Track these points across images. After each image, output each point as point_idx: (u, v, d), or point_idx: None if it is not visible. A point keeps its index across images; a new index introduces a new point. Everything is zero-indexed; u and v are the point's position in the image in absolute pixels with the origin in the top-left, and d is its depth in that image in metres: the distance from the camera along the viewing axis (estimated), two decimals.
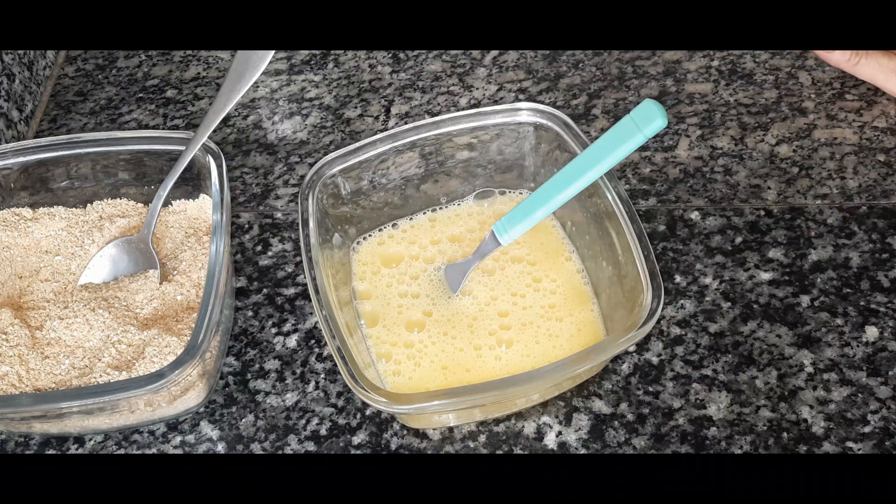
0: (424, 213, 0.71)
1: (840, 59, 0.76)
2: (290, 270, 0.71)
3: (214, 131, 0.75)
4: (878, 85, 0.76)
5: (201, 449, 0.62)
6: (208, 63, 0.88)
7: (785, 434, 0.60)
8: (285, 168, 0.78)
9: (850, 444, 0.59)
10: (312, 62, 0.87)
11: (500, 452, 0.61)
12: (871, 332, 0.64)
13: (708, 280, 0.68)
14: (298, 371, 0.65)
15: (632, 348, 0.65)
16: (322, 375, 0.65)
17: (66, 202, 0.71)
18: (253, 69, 0.68)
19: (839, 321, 0.65)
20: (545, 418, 0.62)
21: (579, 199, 0.62)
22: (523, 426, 0.62)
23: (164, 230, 0.70)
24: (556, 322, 0.64)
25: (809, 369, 0.63)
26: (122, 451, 0.62)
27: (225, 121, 0.82)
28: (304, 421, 0.63)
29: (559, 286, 0.66)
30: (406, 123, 0.73)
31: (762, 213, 0.72)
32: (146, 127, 0.82)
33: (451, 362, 0.62)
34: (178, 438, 0.63)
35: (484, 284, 0.66)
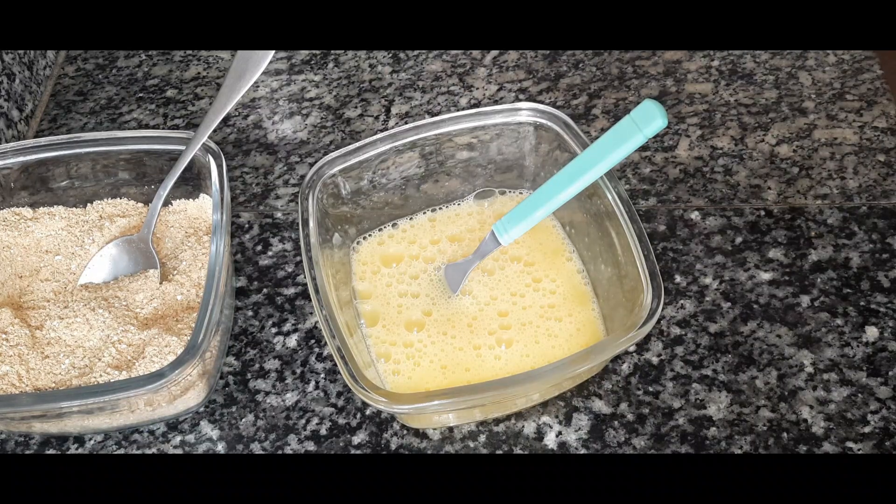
0: (424, 213, 0.71)
1: None
2: (290, 270, 0.71)
3: (214, 131, 0.75)
4: None
5: (201, 449, 0.62)
6: (208, 63, 0.88)
7: (785, 434, 0.60)
8: (285, 168, 0.78)
9: (850, 444, 0.59)
10: (312, 62, 0.87)
11: (500, 452, 0.61)
12: (871, 332, 0.64)
13: (708, 280, 0.68)
14: (298, 371, 0.65)
15: (632, 348, 0.65)
16: (322, 375, 0.65)
17: (66, 202, 0.71)
18: (253, 69, 0.68)
19: (839, 321, 0.65)
20: (545, 418, 0.62)
21: (579, 199, 0.62)
22: (523, 426, 0.62)
23: (164, 230, 0.70)
24: (555, 322, 0.64)
25: (809, 369, 0.63)
26: (122, 451, 0.62)
27: (225, 121, 0.82)
28: (304, 421, 0.63)
29: (559, 286, 0.66)
30: (406, 123, 0.73)
31: (762, 213, 0.72)
32: (146, 127, 0.82)
33: (451, 362, 0.62)
34: (178, 438, 0.63)
35: (484, 284, 0.66)
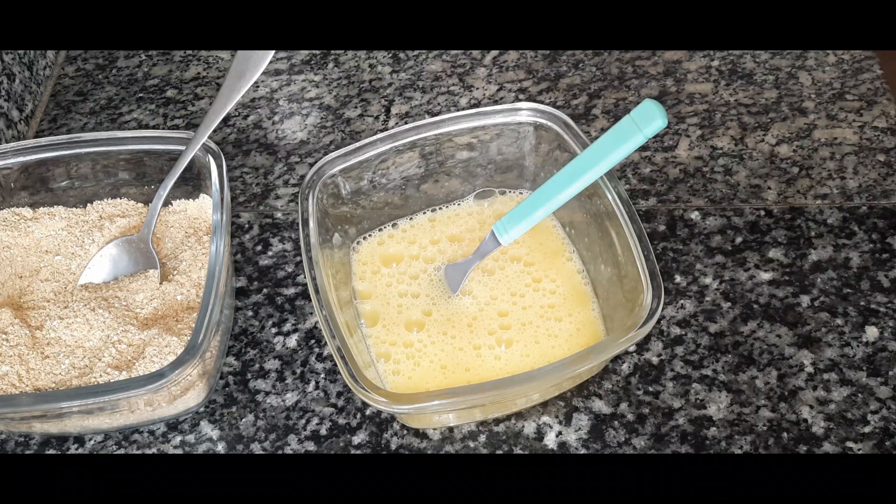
0: (424, 213, 0.71)
1: None
2: (290, 270, 0.71)
3: (214, 131, 0.75)
4: None
5: (201, 449, 0.62)
6: (208, 63, 0.88)
7: (785, 434, 0.60)
8: (285, 168, 0.78)
9: (850, 444, 0.59)
10: (312, 62, 0.87)
11: (500, 452, 0.61)
12: (871, 332, 0.64)
13: (708, 280, 0.68)
14: (298, 371, 0.65)
15: (632, 348, 0.65)
16: (322, 375, 0.65)
17: (66, 202, 0.71)
18: (253, 69, 0.68)
19: (839, 321, 0.65)
20: (545, 418, 0.62)
21: (579, 199, 0.62)
22: (523, 426, 0.62)
23: (164, 230, 0.70)
24: (555, 322, 0.64)
25: (809, 369, 0.63)
26: (122, 451, 0.62)
27: (225, 121, 0.82)
28: (304, 421, 0.63)
29: (559, 286, 0.66)
30: (406, 123, 0.73)
31: (762, 213, 0.72)
32: (146, 127, 0.82)
33: (451, 362, 0.62)
34: (178, 438, 0.63)
35: (484, 284, 0.66)
